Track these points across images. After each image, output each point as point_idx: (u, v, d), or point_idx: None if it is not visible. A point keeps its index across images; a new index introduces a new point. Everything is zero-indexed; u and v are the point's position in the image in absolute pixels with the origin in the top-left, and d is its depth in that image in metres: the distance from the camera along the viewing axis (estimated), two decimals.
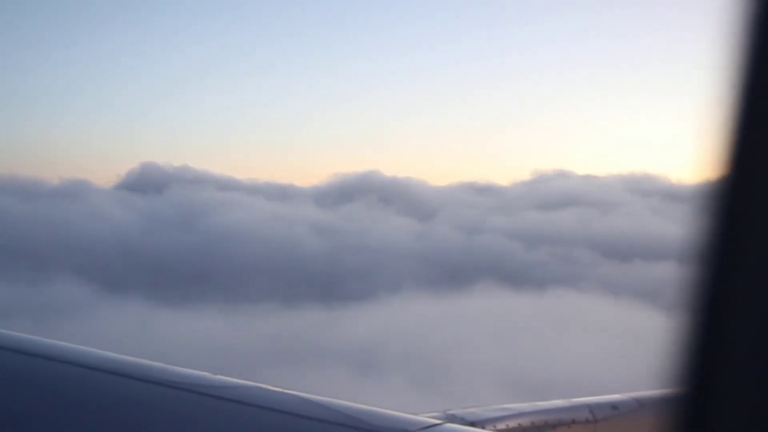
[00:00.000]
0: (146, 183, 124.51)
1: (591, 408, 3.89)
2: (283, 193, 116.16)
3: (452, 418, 3.43)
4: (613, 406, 3.96)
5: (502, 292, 54.99)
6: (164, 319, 47.36)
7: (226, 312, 49.28)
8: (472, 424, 3.48)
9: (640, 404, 3.99)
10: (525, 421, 3.69)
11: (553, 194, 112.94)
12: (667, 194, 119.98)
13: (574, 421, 3.81)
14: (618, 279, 62.28)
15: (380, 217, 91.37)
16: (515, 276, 61.66)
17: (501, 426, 3.58)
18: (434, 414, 3.26)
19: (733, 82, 1.02)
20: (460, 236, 79.94)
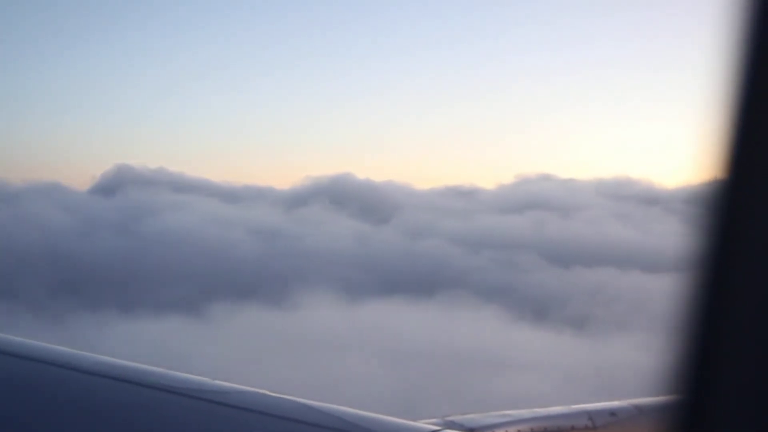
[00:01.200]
0: (120, 185, 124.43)
1: (590, 414, 3.89)
2: (246, 196, 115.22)
3: (451, 425, 3.45)
4: (612, 412, 3.95)
5: (400, 301, 53.93)
6: (70, 324, 46.51)
7: (132, 316, 48.38)
8: (471, 430, 3.53)
9: (639, 410, 3.98)
10: (524, 428, 3.70)
11: (521, 198, 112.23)
12: (644, 199, 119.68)
13: (573, 428, 3.82)
14: (531, 286, 61.08)
15: (333, 220, 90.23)
16: (439, 283, 60.76)
17: None
18: (433, 420, 3.31)
19: (729, 85, 1.01)
20: (405, 241, 78.66)
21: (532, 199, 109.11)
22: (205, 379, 2.82)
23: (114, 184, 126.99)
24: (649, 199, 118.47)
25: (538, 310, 54.06)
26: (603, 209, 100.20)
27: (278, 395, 2.73)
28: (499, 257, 71.84)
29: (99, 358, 3.03)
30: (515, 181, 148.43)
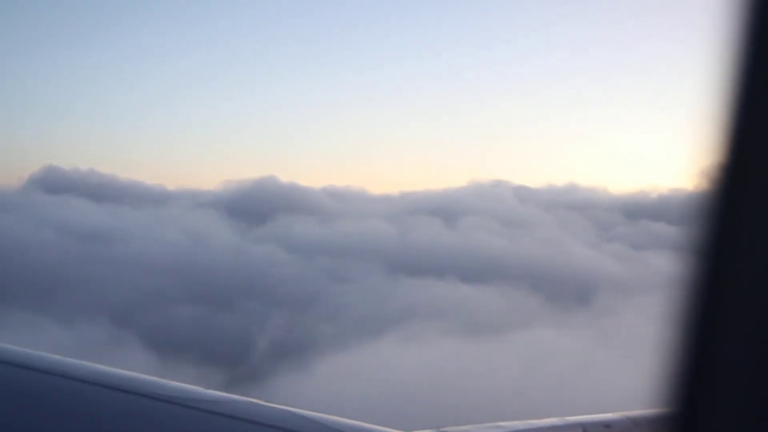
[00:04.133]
0: (49, 186, 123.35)
1: (584, 426, 3.85)
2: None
3: None
4: (606, 424, 3.88)
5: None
6: None
7: None
8: None
9: (634, 423, 3.90)
10: None
11: (423, 205, 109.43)
12: (577, 206, 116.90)
13: None
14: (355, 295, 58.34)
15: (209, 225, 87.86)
16: (243, 290, 58.32)
17: None
18: (428, 431, 3.32)
19: (719, 88, 1.01)
20: (243, 246, 75.90)
21: (434, 206, 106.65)
22: (196, 388, 2.82)
23: (43, 186, 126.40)
24: (585, 206, 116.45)
25: (331, 317, 52.26)
26: (494, 216, 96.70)
27: (269, 404, 2.76)
28: (331, 265, 68.86)
29: (90, 365, 3.01)
30: (468, 185, 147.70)
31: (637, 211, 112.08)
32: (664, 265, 74.15)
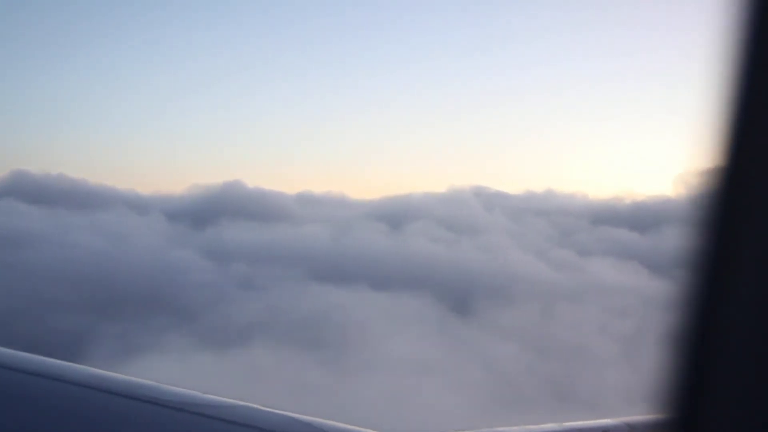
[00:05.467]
0: (16, 191, 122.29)
1: None
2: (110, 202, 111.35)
3: None
4: (605, 430, 3.91)
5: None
6: None
7: None
8: None
9: (632, 429, 3.91)
10: None
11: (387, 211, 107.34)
12: (549, 212, 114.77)
13: None
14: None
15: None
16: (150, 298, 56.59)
17: None
18: None
19: (714, 92, 1.01)
20: (160, 252, 73.82)
21: (394, 211, 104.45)
22: (195, 393, 2.82)
23: (11, 191, 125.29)
24: (558, 212, 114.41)
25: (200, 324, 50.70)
26: (448, 222, 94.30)
27: (268, 409, 2.76)
28: (246, 272, 66.77)
29: (88, 370, 3.02)
30: (446, 192, 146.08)
31: (605, 218, 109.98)
32: (600, 272, 73.59)
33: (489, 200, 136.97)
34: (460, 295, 57.58)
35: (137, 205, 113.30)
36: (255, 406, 2.75)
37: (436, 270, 69.76)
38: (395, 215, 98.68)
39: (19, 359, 3.03)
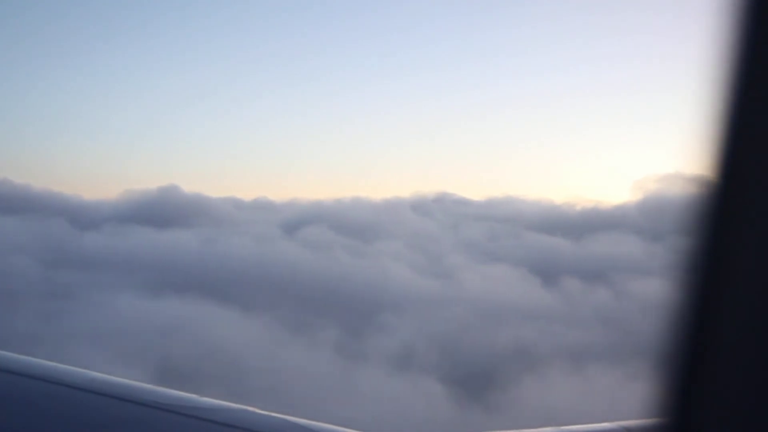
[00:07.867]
0: None
1: None
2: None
3: None
4: None
5: None
6: None
7: None
8: None
9: None
10: None
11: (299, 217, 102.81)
12: (493, 218, 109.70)
13: None
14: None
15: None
16: None
17: None
18: None
19: (710, 94, 0.99)
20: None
21: (311, 216, 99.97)
22: (194, 396, 2.83)
23: None
24: (504, 219, 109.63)
25: None
26: (351, 230, 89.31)
27: (266, 413, 2.77)
28: (74, 279, 62.24)
29: (90, 374, 3.01)
30: (410, 197, 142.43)
31: (545, 225, 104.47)
32: (475, 280, 68.43)
33: (447, 207, 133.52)
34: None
35: (70, 211, 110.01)
36: (250, 408, 2.75)
37: (294, 277, 65.39)
38: (301, 221, 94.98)
39: (19, 363, 3.01)
